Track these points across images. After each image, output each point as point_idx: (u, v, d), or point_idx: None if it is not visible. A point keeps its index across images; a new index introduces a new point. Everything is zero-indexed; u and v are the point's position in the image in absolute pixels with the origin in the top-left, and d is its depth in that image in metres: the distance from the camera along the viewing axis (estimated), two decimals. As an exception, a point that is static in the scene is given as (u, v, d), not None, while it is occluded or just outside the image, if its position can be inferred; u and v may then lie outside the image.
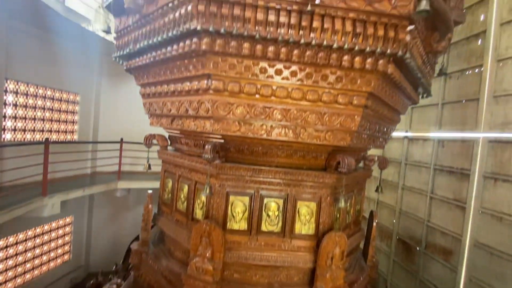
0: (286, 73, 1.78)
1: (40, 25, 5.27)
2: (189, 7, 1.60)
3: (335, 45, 1.62)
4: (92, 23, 5.42)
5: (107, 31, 2.60)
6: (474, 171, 3.87)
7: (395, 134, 5.69)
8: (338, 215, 2.32)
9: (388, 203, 5.91)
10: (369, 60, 1.71)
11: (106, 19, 3.27)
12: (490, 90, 3.74)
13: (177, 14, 1.70)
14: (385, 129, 2.59)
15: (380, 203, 6.17)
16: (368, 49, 1.64)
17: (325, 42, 1.62)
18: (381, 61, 1.72)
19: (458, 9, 2.50)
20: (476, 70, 4.01)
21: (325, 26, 1.61)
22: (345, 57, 1.71)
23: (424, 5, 1.52)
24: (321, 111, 1.88)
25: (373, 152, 3.22)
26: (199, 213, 2.23)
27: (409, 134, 5.26)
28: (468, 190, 4.03)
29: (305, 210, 2.14)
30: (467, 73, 4.19)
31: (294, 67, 1.77)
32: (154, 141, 2.75)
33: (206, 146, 1.90)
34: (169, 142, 2.79)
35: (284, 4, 1.56)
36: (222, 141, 2.08)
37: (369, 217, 2.97)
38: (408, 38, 1.67)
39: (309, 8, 1.51)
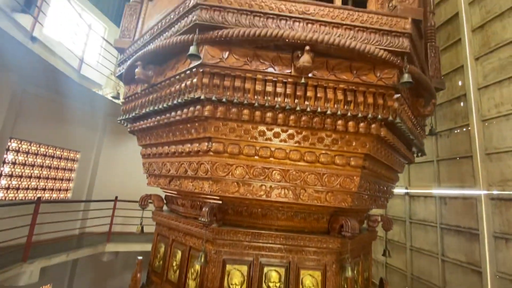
0: (283, 135, 1.86)
1: (52, 89, 5.68)
2: (195, 80, 1.76)
3: (328, 112, 1.73)
4: (103, 87, 5.87)
5: (117, 97, 2.79)
6: (483, 231, 3.70)
7: (395, 190, 5.62)
8: (345, 285, 2.10)
9: (397, 267, 5.44)
10: (362, 124, 1.81)
11: (116, 85, 3.55)
12: (482, 148, 3.86)
13: (183, 85, 1.86)
14: (385, 188, 2.57)
15: (389, 267, 5.69)
16: (360, 115, 1.75)
17: (319, 109, 1.73)
18: (373, 125, 1.82)
19: (437, 78, 2.78)
20: (464, 129, 4.22)
21: (318, 95, 1.75)
22: (339, 122, 1.80)
23: (406, 77, 1.69)
24: (320, 172, 1.90)
25: (375, 211, 3.12)
26: (192, 285, 2.02)
27: (410, 190, 5.20)
28: (480, 252, 3.78)
29: (309, 280, 1.95)
30: (455, 131, 4.40)
31: (291, 131, 1.85)
32: (149, 201, 2.68)
33: (203, 209, 1.85)
34: (165, 202, 2.71)
35: (280, 77, 1.73)
36: (220, 202, 2.02)
37: (380, 286, 2.70)
38: (396, 105, 1.80)
39: (302, 80, 1.67)
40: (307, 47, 1.63)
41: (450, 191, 4.35)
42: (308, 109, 1.73)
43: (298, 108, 1.72)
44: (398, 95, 1.79)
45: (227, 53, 1.75)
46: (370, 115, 1.75)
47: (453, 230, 4.24)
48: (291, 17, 1.72)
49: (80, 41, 5.64)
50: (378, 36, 1.75)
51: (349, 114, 1.74)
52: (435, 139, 4.79)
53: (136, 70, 2.08)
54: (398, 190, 5.50)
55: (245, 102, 1.71)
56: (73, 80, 5.01)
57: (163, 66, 2.12)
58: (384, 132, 1.85)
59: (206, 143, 1.87)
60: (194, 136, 1.94)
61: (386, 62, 1.75)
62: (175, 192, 2.40)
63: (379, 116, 1.75)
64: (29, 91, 5.55)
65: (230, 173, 1.86)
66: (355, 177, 1.92)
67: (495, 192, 3.63)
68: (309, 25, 1.73)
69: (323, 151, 1.89)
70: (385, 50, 1.72)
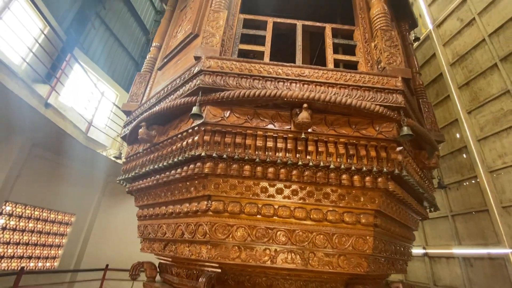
0: (287, 191, 1.77)
1: (57, 151, 5.78)
2: (196, 137, 1.78)
3: (331, 166, 1.68)
4: (107, 149, 6.02)
5: (119, 157, 2.80)
6: (522, 299, 3.20)
7: (412, 251, 5.13)
8: None
9: None
10: (368, 178, 1.74)
11: (120, 146, 3.62)
12: (496, 201, 3.67)
13: (184, 143, 1.87)
14: (402, 249, 2.32)
15: None
16: (364, 168, 1.69)
17: (321, 163, 1.69)
18: (380, 179, 1.75)
19: (435, 131, 2.81)
20: (473, 181, 4.09)
21: (320, 149, 1.74)
22: (344, 176, 1.74)
23: (406, 130, 1.70)
24: (328, 232, 1.74)
25: (394, 277, 2.76)
26: None
27: (428, 250, 4.74)
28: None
29: None
30: (464, 184, 4.25)
31: (294, 186, 1.77)
32: (141, 269, 2.41)
33: (200, 279, 1.63)
34: (158, 271, 2.43)
35: (281, 133, 1.75)
36: (219, 270, 1.80)
37: None
38: (400, 157, 1.76)
39: (303, 136, 1.68)
40: (305, 105, 1.69)
41: (473, 250, 3.95)
42: (311, 164, 1.68)
43: (300, 163, 1.68)
44: (401, 147, 1.77)
45: (228, 112, 1.81)
46: (375, 169, 1.69)
47: (487, 299, 3.68)
48: (288, 79, 1.84)
49: (91, 106, 6.04)
50: (372, 93, 1.83)
51: (353, 168, 1.69)
52: (445, 192, 4.60)
53: (140, 130, 2.13)
54: (415, 251, 5.02)
55: (246, 157, 1.69)
56: (79, 142, 5.16)
57: (166, 126, 2.18)
58: (392, 186, 1.77)
59: (206, 202, 1.77)
60: (193, 194, 1.86)
61: (384, 117, 1.79)
62: (170, 259, 2.17)
63: (385, 170, 1.70)
64: (34, 153, 5.65)
65: (231, 235, 1.71)
66: (368, 237, 1.75)
67: (524, 250, 3.28)
68: (305, 85, 1.83)
69: (330, 208, 1.77)
70: (381, 105, 1.77)
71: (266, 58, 2.17)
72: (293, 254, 1.71)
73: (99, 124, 6.59)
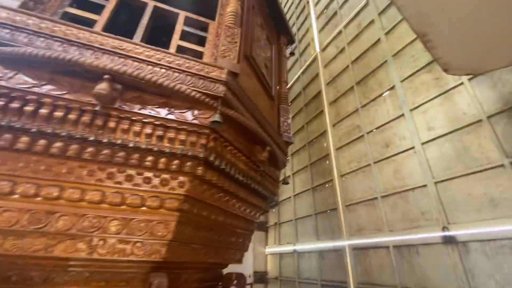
0: (80, 172, 1.57)
1: None
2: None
3: (131, 145, 1.58)
4: None
5: None
6: (350, 283, 3.82)
7: (285, 248, 5.61)
8: None
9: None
10: (175, 161, 1.71)
11: None
12: (343, 201, 4.35)
13: None
14: (233, 239, 2.41)
15: None
16: (167, 150, 1.66)
17: (119, 141, 1.57)
18: (189, 163, 1.74)
19: (287, 133, 3.12)
20: (331, 184, 4.77)
21: (122, 127, 1.61)
22: (149, 158, 1.66)
23: (217, 117, 1.75)
24: (126, 217, 1.61)
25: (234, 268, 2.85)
26: None
27: (296, 247, 5.25)
28: (355, 306, 3.81)
29: None
30: (326, 186, 4.93)
31: (92, 166, 1.59)
32: None
33: None
34: None
35: (76, 104, 1.55)
36: (-25, 266, 1.44)
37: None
38: (212, 143, 1.81)
39: (97, 108, 1.52)
40: (107, 76, 1.55)
41: (323, 244, 4.56)
42: (105, 141, 1.54)
43: (92, 138, 1.52)
44: (214, 134, 1.82)
45: (14, 72, 1.51)
46: (179, 151, 1.68)
47: (329, 286, 4.27)
48: (100, 49, 1.67)
49: None
50: (194, 79, 1.84)
51: (155, 149, 1.64)
52: (313, 194, 5.23)
53: None
54: (287, 248, 5.50)
55: (17, 126, 1.42)
56: None
57: None
58: (201, 171, 1.79)
59: (-42, 179, 1.40)
60: None
61: (203, 103, 1.81)
62: None
63: (190, 153, 1.70)
64: None
65: (-11, 221, 1.39)
66: (171, 222, 1.70)
67: (354, 242, 3.95)
68: (121, 59, 1.70)
69: (134, 192, 1.65)
70: (198, 91, 1.79)
71: (98, 28, 1.96)
72: (76, 241, 1.50)
73: None
